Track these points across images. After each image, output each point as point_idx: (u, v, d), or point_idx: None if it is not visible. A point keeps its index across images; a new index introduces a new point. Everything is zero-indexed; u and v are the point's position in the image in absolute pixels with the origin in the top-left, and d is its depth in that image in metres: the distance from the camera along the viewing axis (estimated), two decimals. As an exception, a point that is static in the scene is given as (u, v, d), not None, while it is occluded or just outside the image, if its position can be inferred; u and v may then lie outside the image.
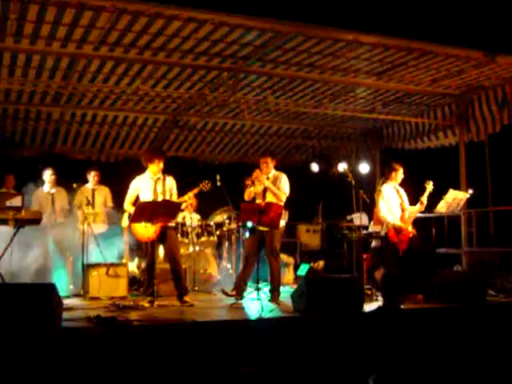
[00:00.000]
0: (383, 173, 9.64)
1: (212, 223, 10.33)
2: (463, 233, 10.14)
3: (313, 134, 12.65)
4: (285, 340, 6.04)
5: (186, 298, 7.62)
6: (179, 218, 9.68)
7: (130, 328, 5.85)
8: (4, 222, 7.71)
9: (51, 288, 5.74)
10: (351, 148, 13.21)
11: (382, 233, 9.06)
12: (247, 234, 10.10)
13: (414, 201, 8.88)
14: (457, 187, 9.55)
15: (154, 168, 7.74)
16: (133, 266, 9.39)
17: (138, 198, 7.85)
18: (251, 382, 3.96)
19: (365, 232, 10.33)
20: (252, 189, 7.86)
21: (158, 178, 7.76)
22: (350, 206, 9.10)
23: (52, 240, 9.20)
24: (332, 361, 6.21)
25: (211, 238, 10.24)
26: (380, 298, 8.19)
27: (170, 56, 8.09)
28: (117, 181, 10.09)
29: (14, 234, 7.84)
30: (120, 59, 8.14)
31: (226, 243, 10.42)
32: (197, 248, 9.97)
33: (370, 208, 10.16)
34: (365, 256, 10.31)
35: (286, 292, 8.12)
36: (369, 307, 7.14)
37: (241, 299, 7.75)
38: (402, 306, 5.20)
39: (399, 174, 8.85)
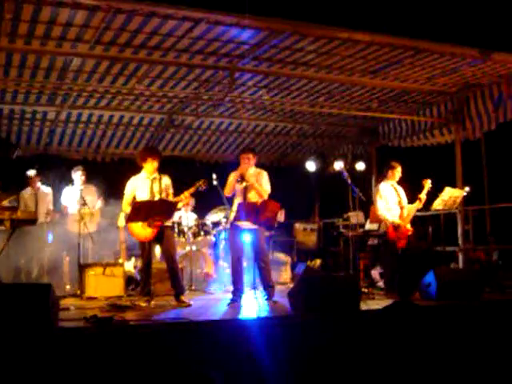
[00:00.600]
0: (380, 171, 9.66)
1: (209, 222, 10.33)
2: (460, 231, 10.14)
3: (309, 132, 12.64)
4: (282, 339, 6.03)
5: (183, 298, 7.62)
6: (176, 218, 9.67)
7: (127, 328, 5.84)
8: (0, 222, 7.73)
9: (47, 288, 5.73)
10: (347, 146, 13.21)
11: (381, 231, 9.07)
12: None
13: (410, 199, 8.90)
14: (453, 185, 9.56)
15: (149, 167, 7.74)
16: (129, 266, 9.38)
17: (134, 197, 7.86)
18: None
19: (362, 230, 10.36)
20: (244, 185, 7.77)
21: (154, 178, 7.76)
22: (347, 204, 9.10)
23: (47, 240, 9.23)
24: (329, 359, 6.23)
25: (208, 237, 10.24)
26: (377, 297, 8.22)
27: (166, 55, 8.08)
28: (113, 181, 10.09)
29: (11, 234, 7.85)
30: (115, 58, 8.11)
31: (223, 242, 10.40)
32: (193, 247, 9.97)
33: (366, 206, 10.18)
34: (361, 254, 10.34)
35: (283, 291, 8.13)
36: (366, 306, 7.17)
37: (239, 299, 7.73)
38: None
39: (397, 172, 8.86)
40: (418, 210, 8.93)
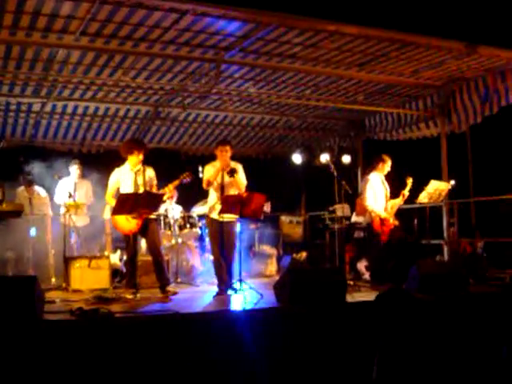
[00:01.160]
0: (366, 164, 9.69)
1: (194, 215, 10.32)
2: (445, 223, 10.19)
3: (295, 125, 12.64)
4: (268, 331, 6.04)
5: (169, 289, 7.62)
6: (161, 210, 9.66)
7: (113, 320, 5.84)
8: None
9: (33, 281, 5.71)
10: (333, 139, 13.22)
11: (365, 223, 9.11)
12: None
13: (394, 193, 8.96)
14: (438, 178, 9.61)
15: (134, 160, 7.72)
16: (115, 259, 9.35)
17: (118, 190, 7.84)
18: None
19: (347, 223, 10.39)
20: (234, 177, 7.74)
21: (138, 170, 7.74)
22: (333, 197, 9.13)
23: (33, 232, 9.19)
24: (315, 351, 6.25)
25: (194, 230, 10.23)
26: (363, 289, 8.26)
27: (152, 47, 8.02)
28: (99, 173, 10.06)
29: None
30: (101, 50, 8.03)
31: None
32: (179, 240, 9.96)
33: (352, 199, 10.21)
34: (347, 247, 10.37)
35: (269, 283, 8.14)
36: (351, 298, 7.20)
37: (224, 291, 7.73)
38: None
39: (386, 166, 8.93)
40: (404, 203, 8.99)
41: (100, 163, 11.25)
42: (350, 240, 10.52)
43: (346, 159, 12.11)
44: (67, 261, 8.48)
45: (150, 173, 7.82)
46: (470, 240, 10.90)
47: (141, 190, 7.59)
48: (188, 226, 10.12)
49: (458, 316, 7.09)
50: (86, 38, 7.64)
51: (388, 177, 9.05)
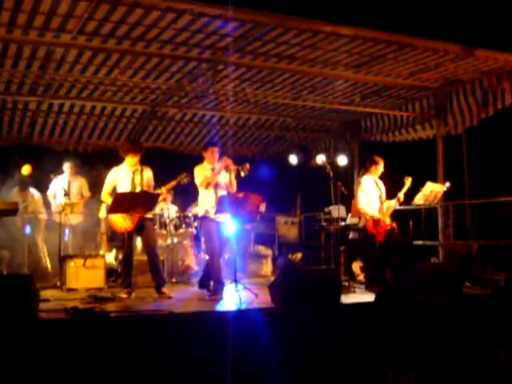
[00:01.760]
0: (362, 165, 9.69)
1: (190, 214, 10.31)
2: (440, 225, 10.21)
3: (291, 125, 12.65)
4: (262, 331, 6.05)
5: (164, 290, 7.62)
6: (157, 210, 9.65)
7: (107, 319, 5.83)
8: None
9: (28, 279, 5.71)
10: (329, 140, 13.24)
11: (360, 224, 9.13)
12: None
13: (390, 193, 8.97)
14: (434, 180, 9.62)
15: (131, 160, 7.72)
16: (110, 258, 9.35)
17: (114, 188, 7.84)
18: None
19: (343, 224, 10.40)
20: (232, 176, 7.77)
21: (136, 170, 7.74)
22: (328, 198, 9.13)
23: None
24: (309, 351, 6.27)
25: (189, 230, 10.23)
26: (357, 290, 8.27)
27: (149, 46, 8.00)
28: (94, 171, 10.06)
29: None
30: (98, 49, 8.02)
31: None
32: (175, 239, 9.96)
33: (348, 200, 10.22)
34: (342, 248, 10.38)
35: (264, 284, 8.15)
36: (346, 299, 7.21)
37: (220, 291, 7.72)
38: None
39: (379, 168, 8.94)
40: (400, 204, 9.00)
41: (96, 162, 11.26)
42: (344, 241, 10.53)
43: (342, 160, 12.12)
44: (62, 260, 8.47)
45: (148, 173, 7.82)
46: (465, 242, 10.93)
47: (137, 190, 7.59)
48: (184, 225, 10.12)
49: (454, 317, 7.13)
50: (83, 37, 7.62)
51: (385, 178, 9.07)
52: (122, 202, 7.24)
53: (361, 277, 9.56)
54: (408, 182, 8.83)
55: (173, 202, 10.52)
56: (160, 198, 7.66)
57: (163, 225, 9.97)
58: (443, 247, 10.08)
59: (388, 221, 8.77)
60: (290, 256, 11.42)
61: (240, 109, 11.27)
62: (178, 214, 10.24)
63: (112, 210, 7.33)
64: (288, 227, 12.74)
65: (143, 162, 7.90)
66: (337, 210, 10.33)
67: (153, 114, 11.00)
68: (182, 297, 7.72)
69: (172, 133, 12.48)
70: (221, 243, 7.84)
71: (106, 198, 7.75)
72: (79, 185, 10.13)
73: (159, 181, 7.90)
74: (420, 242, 9.93)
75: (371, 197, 8.82)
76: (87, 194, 10.16)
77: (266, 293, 7.15)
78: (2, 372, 5.00)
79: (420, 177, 9.30)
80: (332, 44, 7.98)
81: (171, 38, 7.78)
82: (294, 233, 12.84)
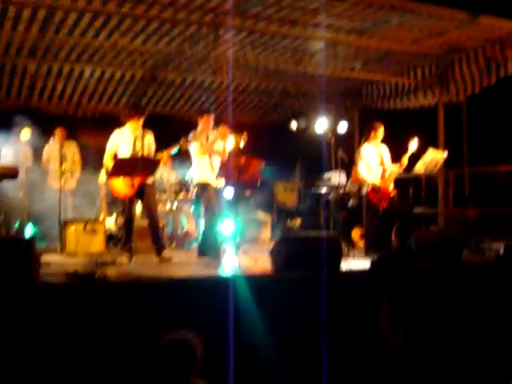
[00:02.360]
0: (362, 132, 9.64)
1: (190, 180, 10.28)
2: (440, 193, 10.20)
3: (292, 92, 12.55)
4: (262, 297, 6.06)
5: (164, 254, 7.62)
6: (156, 175, 9.60)
7: (108, 284, 5.84)
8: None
9: (30, 243, 5.70)
10: (330, 107, 13.12)
11: (362, 192, 9.09)
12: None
13: (393, 161, 8.92)
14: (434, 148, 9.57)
15: (134, 124, 7.63)
16: (110, 223, 9.34)
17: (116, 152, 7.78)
18: (177, 351, 3.60)
19: (342, 191, 10.37)
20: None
21: (138, 134, 7.66)
22: (329, 165, 9.09)
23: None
24: (308, 318, 6.28)
25: (189, 195, 10.20)
26: (357, 257, 8.28)
27: (150, 9, 7.90)
28: (93, 136, 10.00)
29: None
30: (98, 12, 7.91)
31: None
32: (175, 205, 9.94)
33: (348, 167, 10.19)
34: (342, 215, 10.37)
35: (262, 250, 8.16)
36: (346, 265, 7.21)
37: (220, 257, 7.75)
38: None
39: (379, 133, 8.86)
40: (404, 170, 8.94)
41: (95, 127, 11.19)
42: (343, 208, 10.52)
43: (342, 128, 12.04)
44: (62, 224, 8.47)
45: (150, 138, 7.74)
46: (464, 210, 10.93)
47: (139, 155, 7.54)
48: (183, 191, 10.09)
49: (453, 284, 7.15)
50: (84, 0, 7.52)
51: (391, 144, 9.00)
52: (122, 167, 7.21)
53: (360, 244, 9.56)
54: (411, 145, 8.70)
55: (171, 168, 10.47)
56: (161, 163, 7.61)
57: (163, 190, 9.94)
58: (443, 215, 10.08)
59: (391, 187, 8.72)
60: (288, 222, 11.41)
61: (240, 74, 11.15)
62: (177, 180, 10.21)
63: (112, 174, 7.30)
64: (287, 193, 12.74)
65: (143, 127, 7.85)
66: (336, 177, 10.32)
67: (152, 78, 10.92)
68: (182, 262, 7.73)
69: (171, 98, 12.37)
70: (220, 210, 7.84)
71: (109, 162, 7.63)
72: (72, 149, 10.06)
73: (158, 146, 7.82)
74: (420, 210, 9.92)
75: (372, 164, 8.78)
76: (77, 158, 10.11)
77: (266, 258, 7.15)
78: (4, 335, 5.01)
79: (420, 145, 9.24)
80: (336, 8, 7.87)
81: (172, 2, 7.67)
82: (293, 199, 12.85)
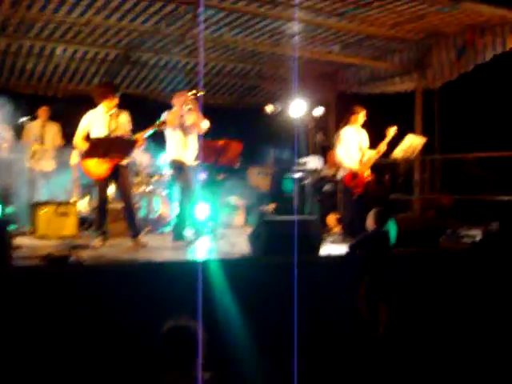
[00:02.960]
0: (338, 117, 9.57)
1: (163, 162, 10.11)
2: (416, 179, 10.18)
3: (267, 75, 12.39)
4: (242, 282, 5.95)
5: (140, 238, 7.45)
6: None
7: (84, 267, 5.67)
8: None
9: (3, 224, 5.49)
10: (306, 91, 13.00)
11: (338, 176, 9.01)
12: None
13: (371, 146, 8.84)
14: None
15: (109, 103, 7.40)
16: (82, 205, 9.13)
17: (88, 134, 7.55)
18: (178, 338, 3.45)
19: (319, 176, 10.30)
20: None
21: (113, 114, 7.45)
22: (304, 149, 8.99)
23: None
24: (287, 303, 6.19)
25: (162, 178, 10.04)
26: (335, 242, 8.21)
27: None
28: (65, 117, 9.74)
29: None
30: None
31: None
32: (149, 187, 9.76)
33: (324, 151, 10.11)
34: (317, 199, 10.30)
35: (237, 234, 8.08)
36: (324, 250, 7.13)
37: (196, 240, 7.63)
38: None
39: (360, 117, 8.74)
40: (381, 156, 8.87)
41: (66, 107, 10.90)
42: (319, 193, 10.45)
43: (318, 111, 11.94)
44: (33, 206, 8.24)
45: (125, 118, 7.51)
46: (441, 196, 10.93)
47: (113, 135, 7.33)
48: (157, 174, 9.93)
49: (432, 270, 7.12)
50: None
51: (367, 130, 8.92)
52: (97, 147, 6.99)
53: (335, 229, 9.49)
54: (390, 132, 8.63)
55: (144, 151, 10.27)
56: (138, 144, 7.40)
57: (135, 173, 9.74)
58: (419, 202, 10.06)
59: (367, 173, 8.65)
60: (263, 207, 11.30)
61: (216, 56, 10.97)
62: (150, 162, 10.03)
63: (87, 154, 7.07)
64: (261, 178, 12.59)
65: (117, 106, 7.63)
66: (312, 162, 10.23)
67: (126, 58, 10.67)
68: (158, 246, 7.57)
69: (145, 79, 12.13)
70: (197, 191, 7.72)
71: (81, 142, 7.37)
72: (53, 131, 9.81)
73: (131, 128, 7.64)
74: (394, 197, 9.90)
75: (351, 148, 8.68)
76: (59, 141, 9.85)
77: (242, 242, 7.05)
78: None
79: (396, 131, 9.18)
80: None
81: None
82: (267, 184, 12.72)
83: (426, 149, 10.57)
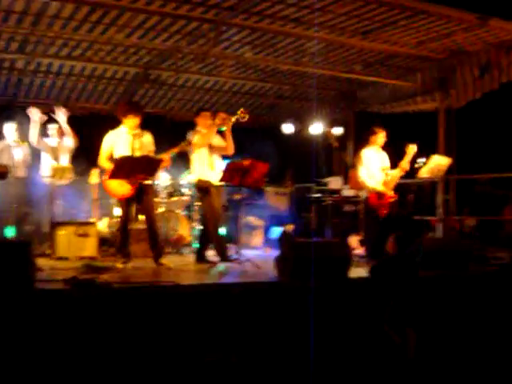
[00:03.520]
0: (358, 136, 9.45)
1: (183, 182, 10.01)
2: (439, 200, 10.00)
3: (286, 94, 12.27)
4: (269, 306, 5.79)
5: (163, 260, 7.30)
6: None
7: (111, 291, 5.50)
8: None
9: (27, 246, 5.35)
10: (325, 110, 12.90)
11: (362, 197, 8.87)
12: None
13: (392, 165, 8.71)
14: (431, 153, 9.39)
15: (131, 123, 7.31)
16: (102, 226, 8.99)
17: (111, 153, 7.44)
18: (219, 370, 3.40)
19: (340, 196, 10.17)
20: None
21: (136, 134, 7.34)
22: (322, 169, 8.87)
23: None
24: (319, 329, 6.04)
25: (182, 198, 9.93)
26: (360, 264, 8.04)
27: (150, 4, 7.57)
28: (82, 136, 9.62)
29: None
30: (96, 4, 7.56)
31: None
32: (168, 208, 9.64)
33: (344, 172, 9.98)
34: (335, 220, 10.16)
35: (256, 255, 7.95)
36: (351, 273, 6.96)
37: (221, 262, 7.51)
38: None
39: (379, 138, 8.64)
40: (401, 178, 8.74)
41: (84, 126, 10.82)
42: (339, 214, 10.31)
43: (337, 131, 11.83)
44: (53, 226, 8.11)
45: (149, 138, 7.42)
46: (465, 218, 10.76)
47: (137, 155, 7.21)
48: (177, 194, 9.81)
49: (461, 294, 6.95)
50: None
51: (387, 149, 8.79)
52: (123, 167, 6.88)
53: (357, 250, 9.32)
54: (411, 150, 8.49)
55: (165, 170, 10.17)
56: (163, 164, 7.28)
57: (156, 193, 9.63)
58: (443, 222, 9.88)
59: (391, 193, 8.50)
60: (284, 228, 11.15)
61: (236, 74, 10.84)
62: (170, 182, 9.92)
63: (113, 175, 6.94)
64: (279, 198, 12.46)
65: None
66: (334, 182, 10.11)
67: (145, 76, 10.58)
68: (179, 268, 7.41)
69: (163, 98, 12.05)
70: (221, 213, 7.63)
71: (105, 163, 7.27)
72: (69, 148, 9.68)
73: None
74: (417, 217, 9.74)
75: (373, 169, 8.55)
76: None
77: (267, 265, 6.91)
78: (3, 344, 4.67)
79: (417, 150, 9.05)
80: (345, 7, 7.63)
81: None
82: (285, 204, 12.58)
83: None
